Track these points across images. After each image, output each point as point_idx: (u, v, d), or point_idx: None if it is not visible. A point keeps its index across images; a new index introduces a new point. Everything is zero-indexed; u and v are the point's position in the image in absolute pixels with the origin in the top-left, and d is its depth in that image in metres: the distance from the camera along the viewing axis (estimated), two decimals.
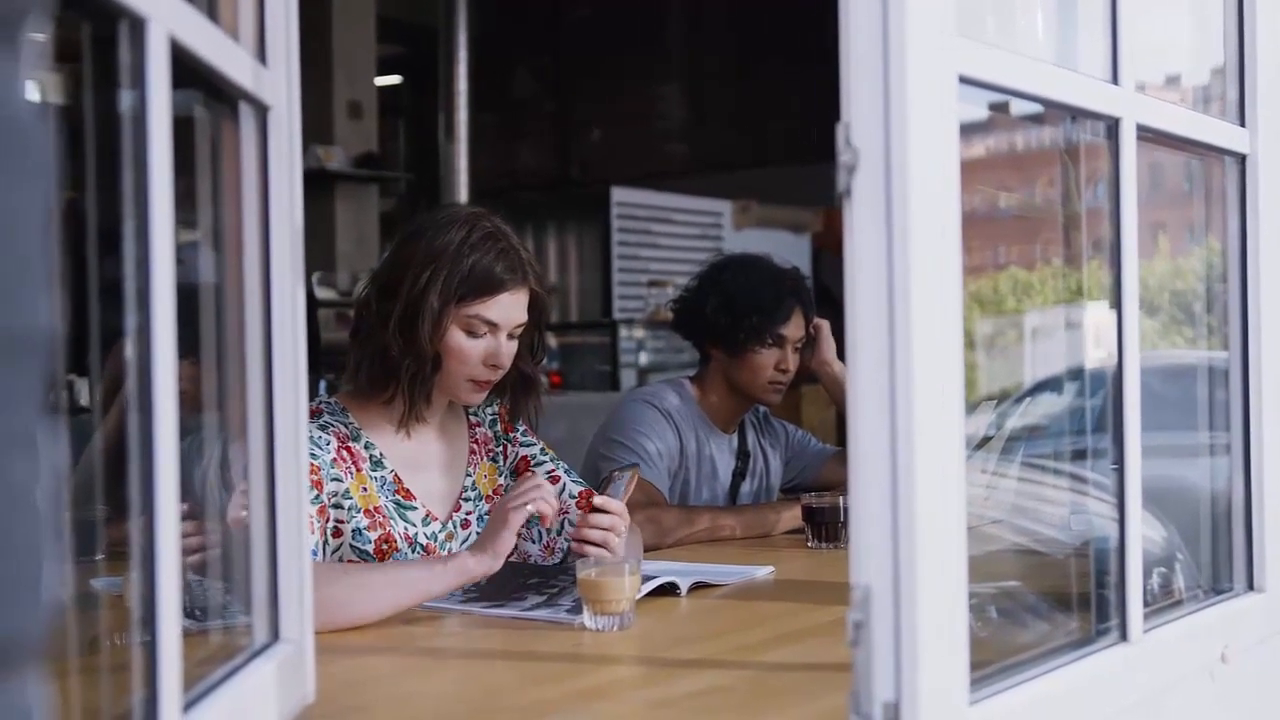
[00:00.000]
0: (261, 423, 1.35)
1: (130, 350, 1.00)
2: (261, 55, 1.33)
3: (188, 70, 1.09)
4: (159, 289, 1.00)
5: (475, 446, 2.34)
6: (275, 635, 1.35)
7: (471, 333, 2.16)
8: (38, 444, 0.52)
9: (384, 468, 2.18)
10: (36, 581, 0.52)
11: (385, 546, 2.13)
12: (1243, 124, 1.77)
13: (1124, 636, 1.49)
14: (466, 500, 2.29)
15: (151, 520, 0.99)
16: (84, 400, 2.53)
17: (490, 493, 2.32)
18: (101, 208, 1.03)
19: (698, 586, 2.14)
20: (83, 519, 1.58)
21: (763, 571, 2.31)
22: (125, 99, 1.00)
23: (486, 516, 2.26)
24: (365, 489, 2.14)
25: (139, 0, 0.96)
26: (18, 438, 0.51)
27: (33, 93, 0.55)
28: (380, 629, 1.87)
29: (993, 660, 1.31)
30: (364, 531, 2.12)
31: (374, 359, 2.16)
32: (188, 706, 1.07)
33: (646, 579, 2.00)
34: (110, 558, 1.40)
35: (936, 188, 1.18)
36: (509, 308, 2.18)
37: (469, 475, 2.31)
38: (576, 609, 1.88)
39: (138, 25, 0.98)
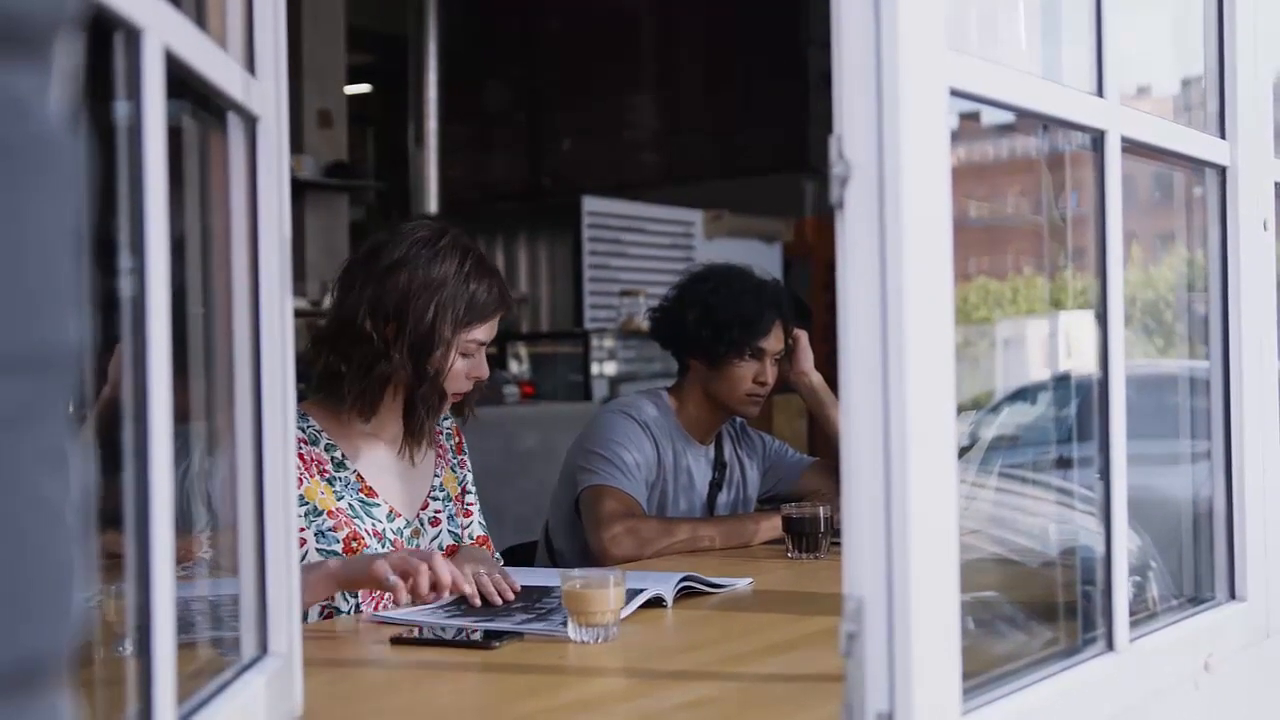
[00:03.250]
0: (250, 434, 1.34)
1: (125, 359, 0.99)
2: (250, 66, 1.32)
3: (177, 80, 1.09)
4: (154, 300, 0.99)
5: (440, 451, 2.42)
6: (264, 649, 1.34)
7: (465, 354, 2.26)
8: (68, 459, 0.52)
9: (347, 469, 2.24)
10: (69, 597, 0.52)
11: (355, 544, 2.19)
12: (1223, 136, 1.79)
13: (1110, 646, 1.49)
14: (435, 499, 2.37)
15: (146, 534, 0.98)
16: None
17: (453, 495, 2.41)
18: (93, 217, 1.02)
19: (684, 593, 2.14)
20: None
21: (743, 583, 2.31)
22: (120, 109, 0.99)
23: (454, 518, 2.38)
24: (323, 493, 2.20)
25: (135, 10, 0.96)
26: (50, 453, 0.50)
27: (63, 106, 0.55)
28: (367, 643, 1.87)
29: (983, 670, 1.32)
30: (329, 533, 2.17)
31: (380, 385, 2.22)
32: None
33: (632, 593, 2.00)
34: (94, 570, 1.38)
35: (929, 199, 1.18)
36: (495, 327, 2.30)
37: (437, 476, 2.39)
38: (554, 625, 1.87)
39: (133, 36, 0.98)
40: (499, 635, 1.84)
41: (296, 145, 7.29)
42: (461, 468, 2.46)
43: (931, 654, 1.16)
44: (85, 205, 0.56)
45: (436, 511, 2.36)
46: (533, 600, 2.09)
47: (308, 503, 2.16)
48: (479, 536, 2.42)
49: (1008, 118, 1.56)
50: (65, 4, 0.55)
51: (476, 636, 1.84)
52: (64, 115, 0.54)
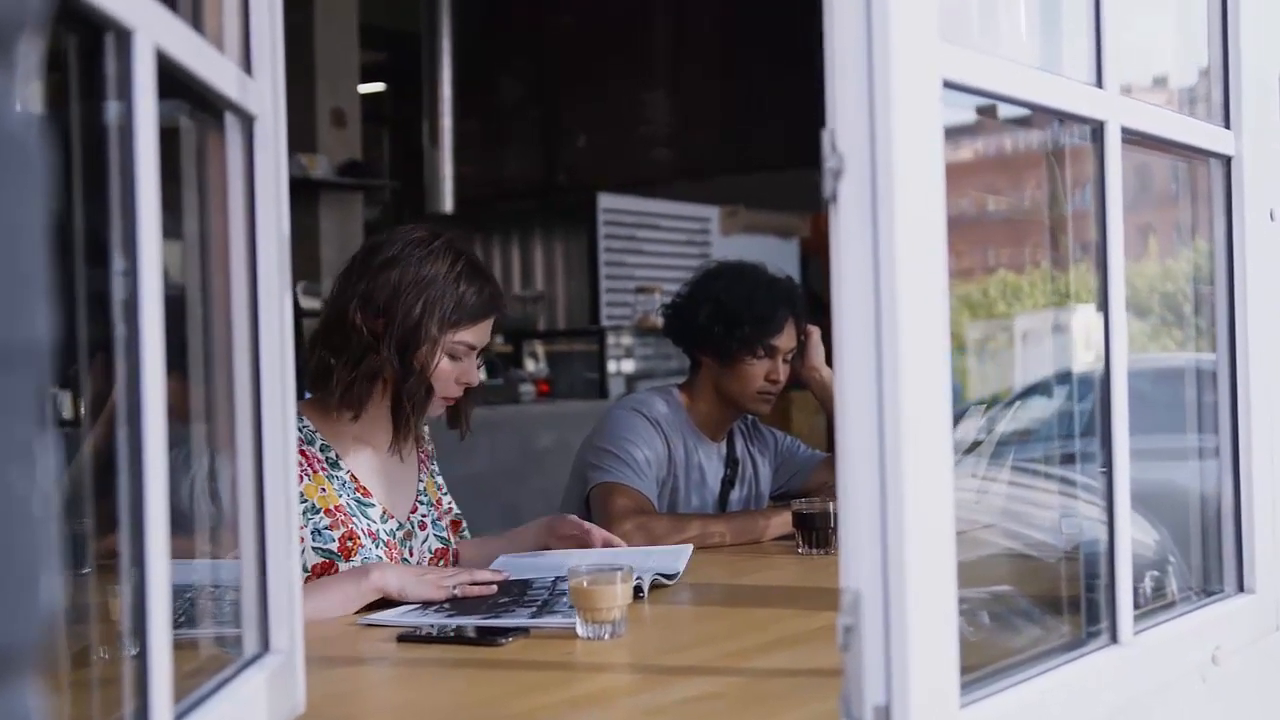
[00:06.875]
0: (250, 434, 1.35)
1: (119, 362, 1.00)
2: (247, 65, 1.33)
3: (172, 80, 1.09)
4: (147, 301, 0.99)
5: (423, 457, 2.46)
6: (265, 646, 1.35)
7: (453, 356, 2.28)
8: (35, 455, 0.53)
9: (341, 469, 2.28)
10: (35, 591, 0.53)
11: (350, 544, 2.22)
12: (1228, 126, 1.78)
13: (1114, 639, 1.49)
14: (422, 503, 2.41)
15: (141, 533, 0.99)
16: (66, 413, 2.54)
17: (434, 501, 2.45)
18: (86, 218, 1.03)
19: (655, 585, 2.17)
20: (71, 532, 1.58)
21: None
22: (111, 109, 1.00)
23: (438, 522, 2.42)
24: (324, 490, 2.23)
25: (126, 11, 0.96)
26: (16, 448, 0.51)
27: (27, 104, 0.55)
28: (371, 640, 1.87)
29: (984, 663, 1.31)
30: (325, 531, 2.20)
31: (367, 379, 2.24)
32: (179, 718, 1.07)
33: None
34: (99, 570, 1.39)
35: (922, 192, 1.18)
36: (487, 332, 2.32)
37: (420, 481, 2.43)
38: (570, 614, 1.87)
39: (124, 36, 0.98)
40: (505, 632, 1.84)
41: (310, 145, 7.30)
42: (435, 474, 2.50)
43: (929, 647, 1.16)
44: (52, 202, 0.57)
45: (423, 516, 2.40)
46: (519, 595, 2.09)
47: (306, 500, 2.19)
48: (437, 550, 2.42)
49: (1024, 110, 1.55)
50: (29, 4, 0.55)
51: (472, 633, 1.85)
52: (29, 114, 0.54)
